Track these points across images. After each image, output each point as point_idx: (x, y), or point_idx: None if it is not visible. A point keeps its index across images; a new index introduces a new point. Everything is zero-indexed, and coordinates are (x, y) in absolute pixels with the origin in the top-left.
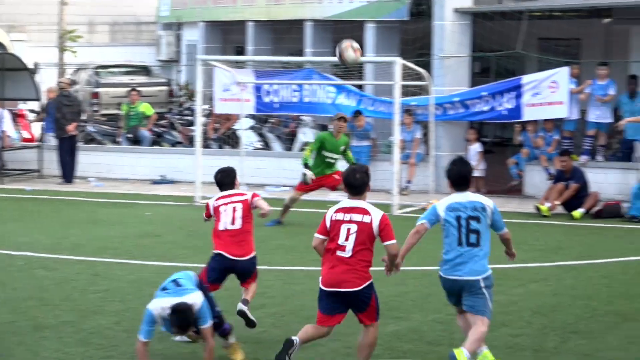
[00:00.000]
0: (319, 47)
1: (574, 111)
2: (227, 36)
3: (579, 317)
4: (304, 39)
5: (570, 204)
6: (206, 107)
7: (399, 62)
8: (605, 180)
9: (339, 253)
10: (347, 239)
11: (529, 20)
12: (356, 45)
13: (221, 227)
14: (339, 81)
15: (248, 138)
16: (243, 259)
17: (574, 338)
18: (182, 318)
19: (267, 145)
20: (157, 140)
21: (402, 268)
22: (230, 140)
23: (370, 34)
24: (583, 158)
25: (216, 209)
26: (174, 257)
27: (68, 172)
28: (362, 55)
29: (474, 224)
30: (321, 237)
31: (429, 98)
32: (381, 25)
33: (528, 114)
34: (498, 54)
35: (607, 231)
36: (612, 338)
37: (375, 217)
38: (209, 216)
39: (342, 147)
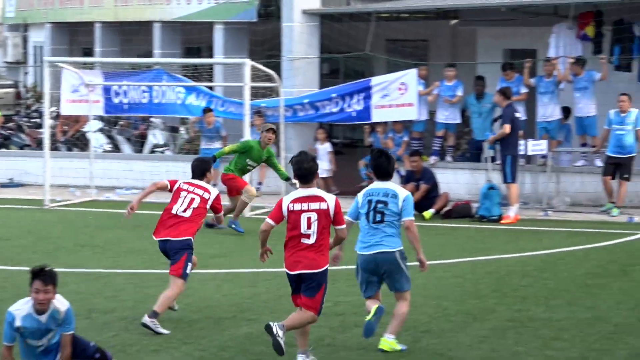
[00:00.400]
0: (167, 48)
1: (423, 112)
2: (74, 37)
3: (431, 317)
4: (153, 41)
5: (420, 205)
6: (54, 109)
7: (248, 64)
8: (455, 181)
9: (303, 240)
10: (309, 227)
11: (376, 22)
12: None
13: (173, 210)
14: (189, 82)
15: (97, 140)
16: (173, 239)
17: (426, 337)
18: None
19: (116, 148)
20: (5, 143)
21: (252, 270)
22: (79, 142)
23: (219, 35)
24: (432, 158)
25: (178, 189)
26: (23, 261)
27: None
28: None
29: (380, 207)
30: (273, 222)
31: (279, 99)
32: (230, 27)
33: (377, 116)
34: (347, 55)
35: (457, 231)
36: (464, 337)
37: (330, 202)
38: (170, 190)
39: (265, 157)
